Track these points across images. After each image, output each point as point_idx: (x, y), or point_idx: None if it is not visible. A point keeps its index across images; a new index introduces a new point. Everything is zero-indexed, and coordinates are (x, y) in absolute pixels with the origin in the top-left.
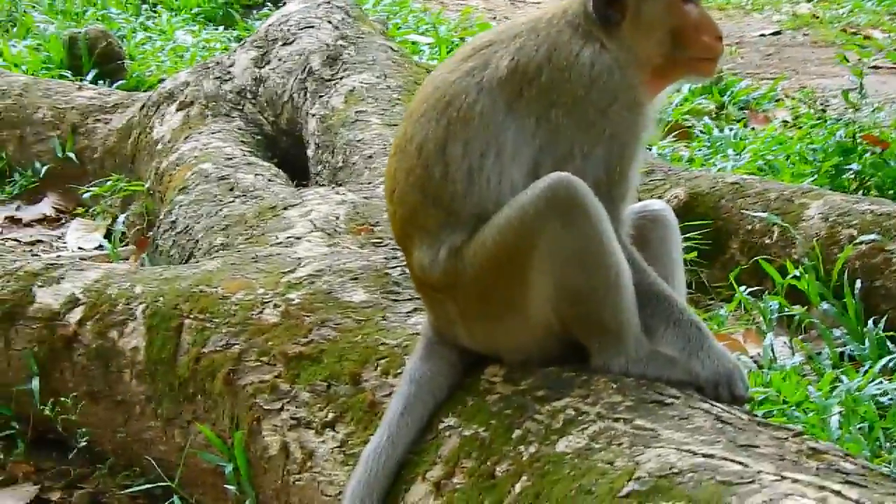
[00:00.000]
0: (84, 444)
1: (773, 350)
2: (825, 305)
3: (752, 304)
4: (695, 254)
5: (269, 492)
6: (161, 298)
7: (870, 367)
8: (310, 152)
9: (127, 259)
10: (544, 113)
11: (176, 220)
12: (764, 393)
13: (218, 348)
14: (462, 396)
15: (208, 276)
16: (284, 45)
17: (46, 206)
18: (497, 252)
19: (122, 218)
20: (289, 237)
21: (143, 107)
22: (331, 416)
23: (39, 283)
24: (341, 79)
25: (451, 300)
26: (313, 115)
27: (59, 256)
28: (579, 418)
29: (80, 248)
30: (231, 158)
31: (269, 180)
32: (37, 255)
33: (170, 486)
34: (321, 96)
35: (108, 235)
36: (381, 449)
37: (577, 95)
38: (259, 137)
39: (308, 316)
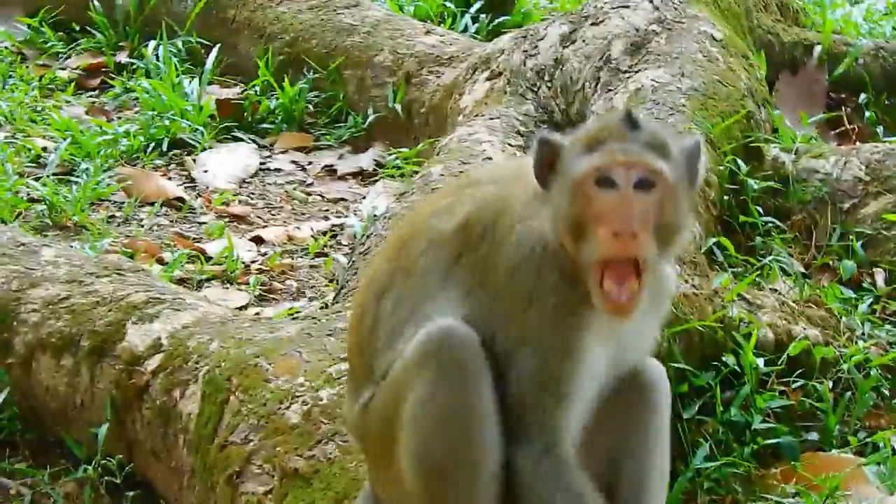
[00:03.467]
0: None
1: None
2: None
3: None
4: None
5: None
6: (223, 364)
7: None
8: None
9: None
10: (474, 290)
11: (370, 235)
12: None
13: (238, 441)
14: None
15: (273, 348)
16: (593, 24)
17: (367, 159)
18: (383, 407)
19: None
20: None
21: (468, 67)
22: None
23: (134, 320)
24: (637, 72)
25: (364, 454)
26: (594, 113)
27: (342, 225)
28: None
29: (372, 210)
30: (464, 163)
31: None
32: (339, 213)
33: None
34: (609, 90)
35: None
36: None
37: (501, 281)
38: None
39: (326, 423)
